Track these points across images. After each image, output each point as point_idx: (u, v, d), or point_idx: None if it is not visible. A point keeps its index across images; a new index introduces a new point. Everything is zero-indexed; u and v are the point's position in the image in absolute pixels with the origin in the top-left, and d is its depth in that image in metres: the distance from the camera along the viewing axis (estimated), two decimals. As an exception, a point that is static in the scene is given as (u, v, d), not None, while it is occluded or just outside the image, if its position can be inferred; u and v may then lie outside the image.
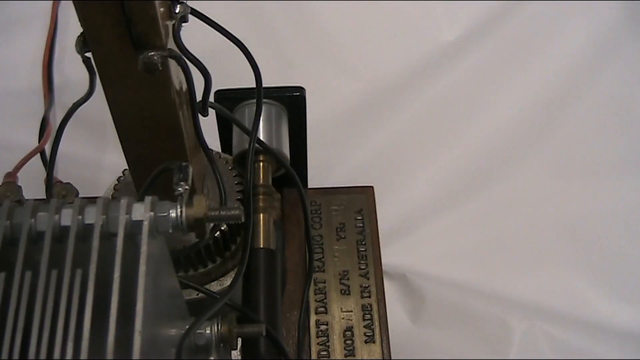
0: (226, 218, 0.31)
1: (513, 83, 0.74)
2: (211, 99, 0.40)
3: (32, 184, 0.48)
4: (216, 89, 0.52)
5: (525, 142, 0.72)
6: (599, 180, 0.69)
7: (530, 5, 0.78)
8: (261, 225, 0.47)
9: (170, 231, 0.29)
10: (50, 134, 0.54)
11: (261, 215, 0.47)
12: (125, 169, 0.47)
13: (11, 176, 0.47)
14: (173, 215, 0.29)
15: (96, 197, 0.30)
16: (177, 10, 0.32)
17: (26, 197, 0.45)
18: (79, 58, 0.35)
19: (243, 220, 0.32)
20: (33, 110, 0.62)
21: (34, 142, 0.55)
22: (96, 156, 0.69)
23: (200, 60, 0.36)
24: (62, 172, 0.53)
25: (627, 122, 0.72)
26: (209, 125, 0.46)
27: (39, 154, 0.53)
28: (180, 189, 0.31)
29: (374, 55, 0.75)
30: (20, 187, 0.46)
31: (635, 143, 0.71)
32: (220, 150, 0.53)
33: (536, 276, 0.64)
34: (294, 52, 0.76)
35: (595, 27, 0.76)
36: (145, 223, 0.28)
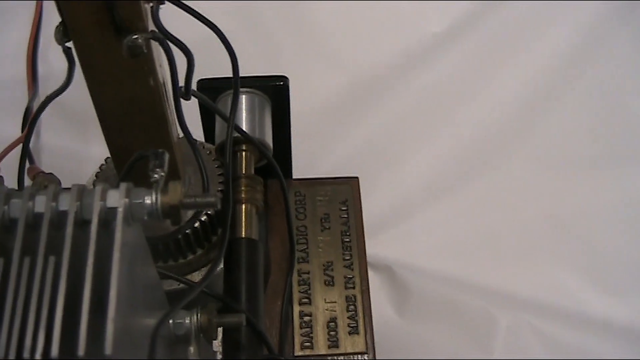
0: (202, 205, 0.31)
1: (500, 76, 0.74)
2: (194, 86, 0.40)
3: (15, 175, 0.47)
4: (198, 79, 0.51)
5: (513, 135, 0.72)
6: (586, 174, 0.69)
7: (517, -1, 0.78)
8: (243, 215, 0.46)
9: (146, 218, 0.29)
10: (33, 125, 0.53)
11: (243, 204, 0.47)
12: (103, 164, 0.47)
13: (-7, 167, 0.46)
14: (148, 202, 0.29)
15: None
16: (153, -8, 0.32)
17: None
18: (63, 48, 0.34)
19: (219, 207, 0.31)
20: (17, 100, 0.61)
21: (17, 133, 0.55)
22: (80, 147, 0.68)
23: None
24: (46, 164, 0.52)
25: (614, 116, 0.72)
26: (192, 116, 0.46)
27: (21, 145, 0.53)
28: (156, 175, 0.31)
29: (361, 46, 0.75)
30: (2, 177, 0.45)
31: (622, 137, 0.71)
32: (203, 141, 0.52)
33: (523, 269, 0.64)
34: (281, 43, 0.76)
35: (583, 22, 0.76)
36: (120, 210, 0.28)
